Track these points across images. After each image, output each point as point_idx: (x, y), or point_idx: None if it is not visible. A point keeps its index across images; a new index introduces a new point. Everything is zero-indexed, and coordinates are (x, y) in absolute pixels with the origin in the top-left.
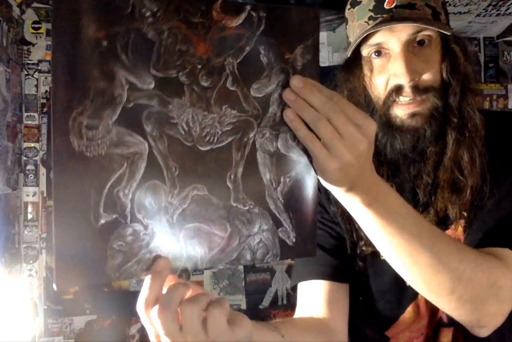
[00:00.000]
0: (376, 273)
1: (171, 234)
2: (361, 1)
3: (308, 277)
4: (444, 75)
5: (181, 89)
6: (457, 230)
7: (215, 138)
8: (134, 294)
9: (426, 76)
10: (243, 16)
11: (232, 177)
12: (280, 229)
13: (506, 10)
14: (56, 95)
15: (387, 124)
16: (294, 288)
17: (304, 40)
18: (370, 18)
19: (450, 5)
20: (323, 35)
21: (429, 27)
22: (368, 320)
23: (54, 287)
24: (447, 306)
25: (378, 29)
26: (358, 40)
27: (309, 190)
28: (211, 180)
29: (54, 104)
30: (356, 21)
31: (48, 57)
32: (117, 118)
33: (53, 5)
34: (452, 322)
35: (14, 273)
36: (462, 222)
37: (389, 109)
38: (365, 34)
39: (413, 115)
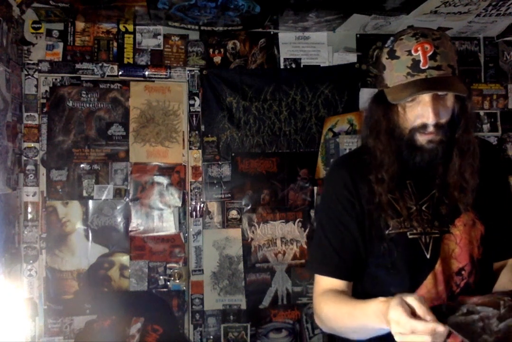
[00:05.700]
0: (406, 248)
1: None
2: (399, 57)
3: (325, 273)
4: (455, 116)
5: None
6: (468, 217)
7: None
8: (134, 294)
9: (444, 118)
10: None
11: None
12: None
13: (506, 10)
14: None
15: (411, 146)
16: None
17: None
18: (408, 74)
19: (450, 5)
20: (323, 35)
21: (456, 93)
22: (398, 286)
23: None
24: None
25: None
26: (404, 100)
27: None
28: None
29: None
30: (395, 72)
31: (48, 57)
32: None
33: None
34: (464, 293)
35: (14, 273)
36: (470, 213)
37: (413, 136)
38: (409, 99)
39: (430, 141)
